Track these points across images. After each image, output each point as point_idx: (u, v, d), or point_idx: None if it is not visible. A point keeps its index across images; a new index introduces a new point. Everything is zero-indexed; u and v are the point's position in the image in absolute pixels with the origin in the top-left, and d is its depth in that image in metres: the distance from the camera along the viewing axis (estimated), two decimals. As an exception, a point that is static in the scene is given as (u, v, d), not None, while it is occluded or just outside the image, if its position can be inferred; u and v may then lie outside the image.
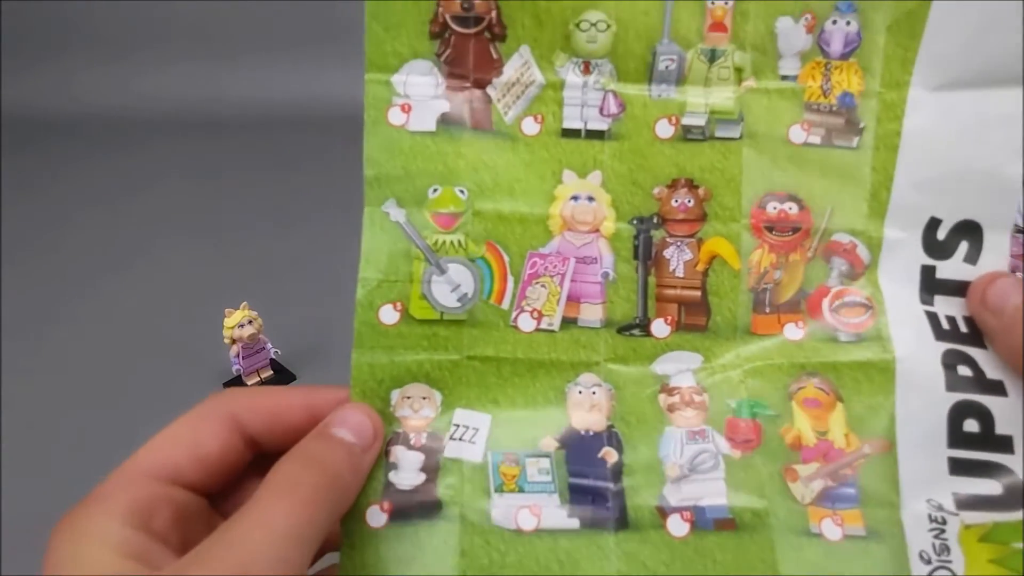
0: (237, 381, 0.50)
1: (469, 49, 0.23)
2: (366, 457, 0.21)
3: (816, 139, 0.24)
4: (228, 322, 0.46)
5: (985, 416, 0.22)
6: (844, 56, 0.24)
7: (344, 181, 0.57)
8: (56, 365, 0.54)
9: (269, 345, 0.49)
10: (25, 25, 1.02)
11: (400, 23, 0.23)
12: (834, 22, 0.23)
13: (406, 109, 0.23)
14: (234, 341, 0.47)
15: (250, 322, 0.46)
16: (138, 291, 0.62)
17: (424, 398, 0.22)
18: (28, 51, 1.02)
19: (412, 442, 0.22)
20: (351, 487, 0.20)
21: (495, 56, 0.23)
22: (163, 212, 0.75)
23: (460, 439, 0.22)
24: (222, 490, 0.21)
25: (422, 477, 0.22)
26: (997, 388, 0.22)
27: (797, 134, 0.24)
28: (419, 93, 0.23)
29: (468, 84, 0.23)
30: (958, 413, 0.22)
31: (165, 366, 0.52)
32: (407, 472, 0.22)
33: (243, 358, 0.48)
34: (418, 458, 0.22)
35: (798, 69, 0.24)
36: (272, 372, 0.51)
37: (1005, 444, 0.22)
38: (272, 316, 0.49)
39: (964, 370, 0.22)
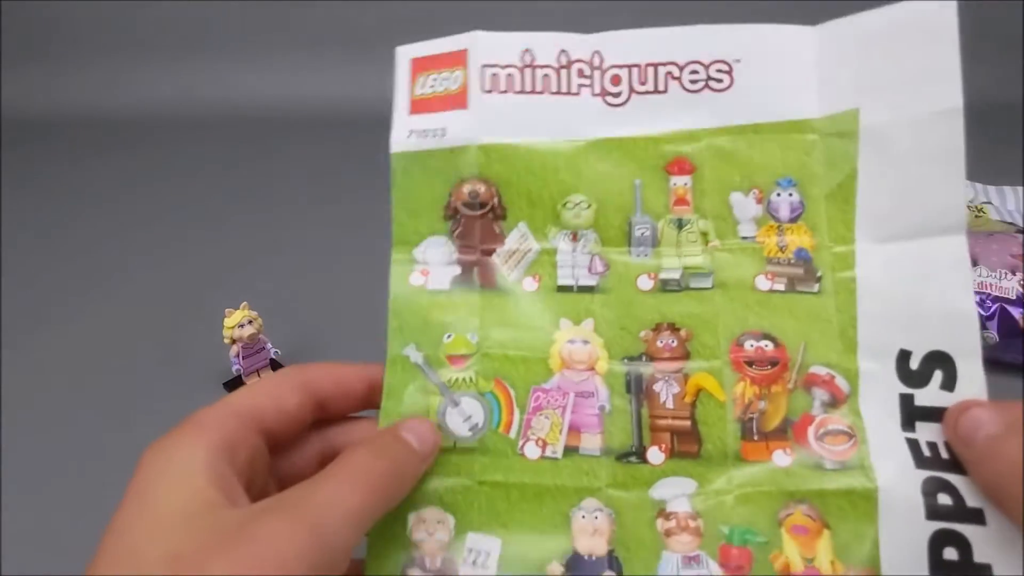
0: (237, 381, 0.48)
1: (476, 227, 0.29)
2: (423, 466, 0.24)
3: (780, 286, 0.28)
4: (228, 322, 0.45)
5: (964, 544, 0.22)
6: (792, 220, 0.28)
7: (345, 181, 0.57)
8: (56, 364, 0.53)
9: (269, 345, 0.48)
10: (25, 25, 1.01)
11: (420, 209, 0.29)
12: (778, 195, 0.28)
13: (424, 273, 0.28)
14: (234, 341, 0.46)
15: (250, 322, 0.45)
16: (138, 290, 0.61)
17: (439, 522, 0.24)
18: (28, 51, 1.01)
19: (428, 565, 0.23)
20: (406, 487, 0.23)
21: (498, 231, 0.29)
22: (163, 212, 0.74)
23: (473, 563, 0.23)
24: (285, 445, 0.24)
25: None
26: (976, 516, 0.23)
27: (763, 283, 0.28)
28: (436, 260, 0.28)
29: (476, 254, 0.28)
30: (938, 541, 0.23)
31: (165, 366, 0.51)
32: (423, 598, 0.23)
33: (243, 358, 0.47)
34: None
35: (755, 231, 0.28)
36: (272, 372, 0.48)
37: (983, 572, 0.22)
38: (272, 316, 0.48)
39: (944, 498, 0.23)
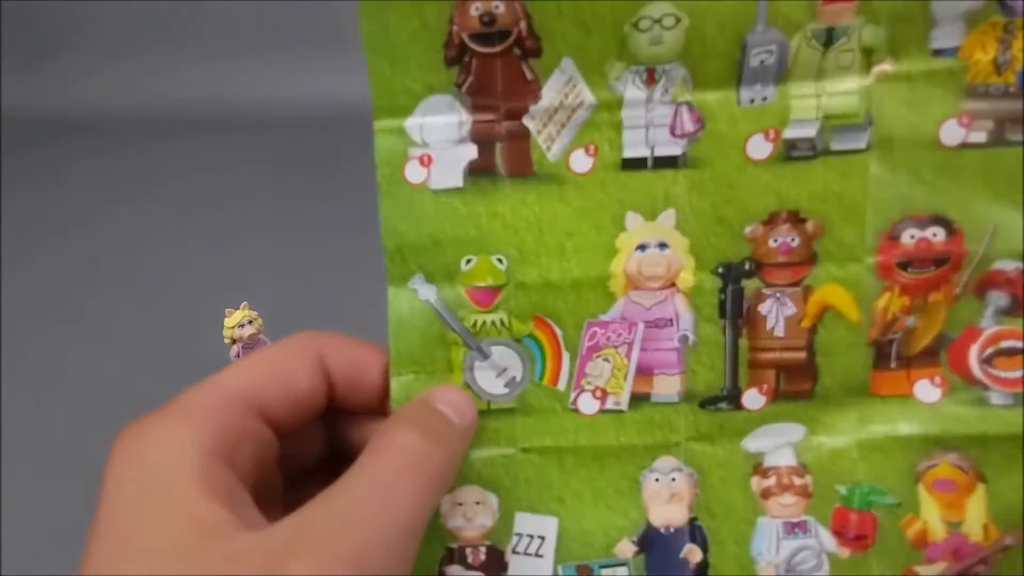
0: None
1: (496, 72, 0.18)
2: (465, 442, 0.19)
3: (980, 136, 0.18)
4: (228, 322, 0.45)
5: None
6: (1033, 12, 0.16)
7: (346, 181, 0.55)
8: (56, 365, 0.55)
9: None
10: (25, 25, 1.02)
11: (408, 54, 0.18)
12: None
13: (426, 162, 0.19)
14: (234, 341, 0.46)
15: (250, 322, 0.46)
16: (138, 291, 0.64)
17: (478, 503, 0.20)
18: (28, 51, 1.02)
19: (470, 560, 0.20)
20: (455, 471, 0.18)
21: (530, 77, 0.18)
22: (163, 212, 0.76)
23: (525, 552, 0.20)
24: (293, 433, 0.18)
25: None
26: None
27: (952, 132, 0.18)
28: (440, 138, 0.19)
29: (499, 117, 0.19)
30: None
31: (165, 366, 0.52)
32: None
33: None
34: None
35: (961, 38, 0.17)
36: None
37: None
38: (272, 316, 0.49)
39: None
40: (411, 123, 0.19)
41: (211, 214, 0.77)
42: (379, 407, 0.19)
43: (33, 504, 0.46)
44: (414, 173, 0.19)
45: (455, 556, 0.20)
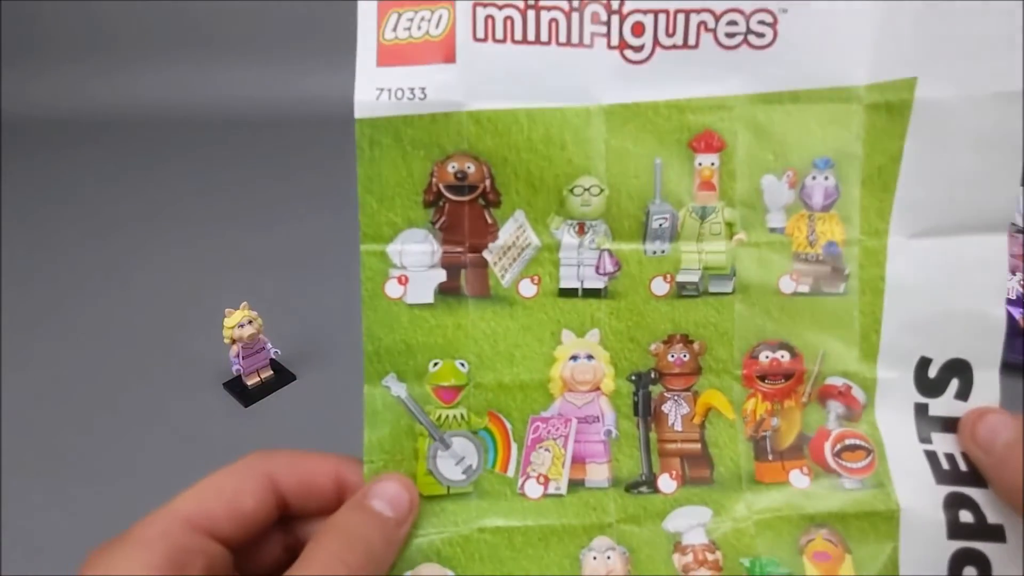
0: (237, 381, 0.49)
1: (464, 216, 0.23)
2: (401, 531, 0.22)
3: (805, 288, 0.25)
4: (228, 322, 0.46)
5: (983, 563, 0.23)
6: (825, 208, 0.25)
7: (345, 181, 0.57)
8: (56, 365, 0.53)
9: (269, 345, 0.49)
10: (25, 26, 1.02)
11: (394, 194, 0.23)
12: (813, 178, 0.24)
13: (403, 281, 0.23)
14: (234, 341, 0.46)
15: (250, 322, 0.46)
16: (138, 291, 0.62)
17: None
18: (28, 51, 1.02)
19: None
20: (386, 560, 0.21)
21: (490, 221, 0.24)
22: (163, 212, 0.75)
23: (477, 627, 0.22)
24: (246, 546, 0.21)
25: None
26: (997, 534, 0.23)
27: (787, 284, 0.25)
28: (415, 263, 0.23)
29: (464, 249, 0.24)
30: (958, 561, 0.23)
31: (165, 366, 0.52)
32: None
33: (243, 358, 0.48)
34: None
35: (784, 222, 0.25)
36: (272, 372, 0.50)
37: None
38: (272, 316, 0.49)
39: (965, 515, 0.23)
40: (392, 249, 0.23)
41: (211, 214, 0.74)
42: (333, 508, 0.22)
43: (33, 504, 0.42)
44: (393, 289, 0.23)
45: (415, 633, 0.21)
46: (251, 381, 0.49)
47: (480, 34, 0.22)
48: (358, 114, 0.22)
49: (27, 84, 1.01)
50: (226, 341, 0.46)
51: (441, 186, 0.23)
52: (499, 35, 0.22)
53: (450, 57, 0.22)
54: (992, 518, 0.23)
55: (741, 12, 0.23)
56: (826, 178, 0.24)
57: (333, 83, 0.97)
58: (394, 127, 0.23)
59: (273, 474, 0.21)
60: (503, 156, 0.23)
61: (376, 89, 0.22)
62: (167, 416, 0.48)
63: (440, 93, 0.22)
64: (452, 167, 0.23)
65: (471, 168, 0.23)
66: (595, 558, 0.23)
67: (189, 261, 0.66)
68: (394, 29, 0.22)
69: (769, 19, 0.23)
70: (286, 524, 0.22)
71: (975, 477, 0.23)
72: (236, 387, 0.49)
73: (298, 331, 0.54)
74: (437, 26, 0.22)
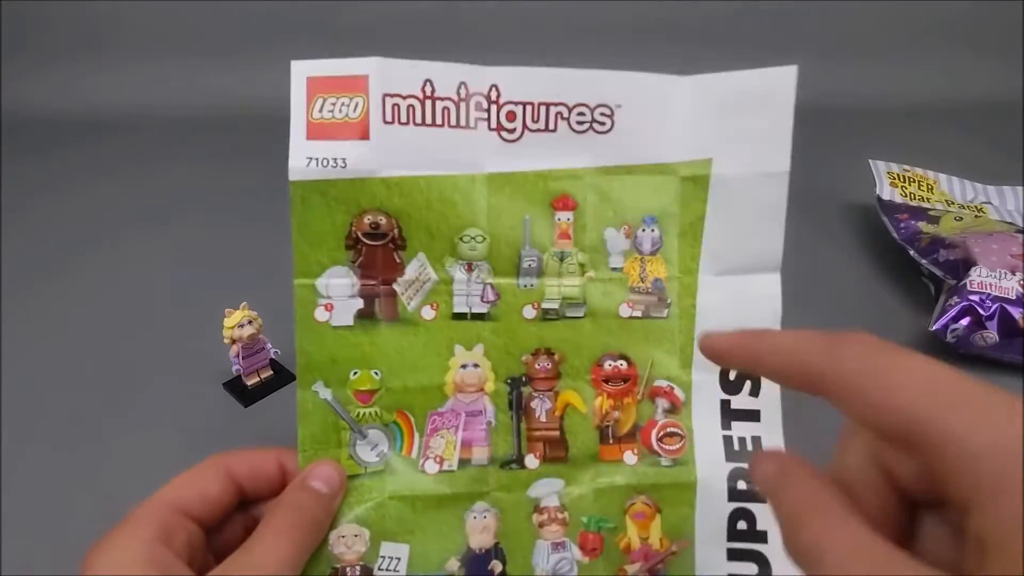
0: (237, 381, 0.50)
1: (377, 257, 0.30)
2: (335, 503, 0.28)
3: (638, 313, 0.33)
4: (228, 322, 0.45)
5: (750, 517, 0.31)
6: (652, 253, 0.33)
7: None
8: (56, 365, 0.53)
9: (269, 345, 0.49)
10: (25, 25, 1.00)
11: (321, 239, 0.30)
12: (643, 230, 0.33)
13: (329, 308, 0.30)
14: (234, 341, 0.46)
15: (250, 322, 0.46)
16: (138, 290, 0.61)
17: (356, 536, 0.28)
18: (28, 51, 1.00)
19: (348, 574, 0.28)
20: (324, 526, 0.28)
21: (398, 261, 0.31)
22: (163, 211, 0.75)
23: (387, 569, 0.28)
24: (215, 525, 0.27)
25: None
26: (760, 496, 0.31)
27: (624, 310, 0.33)
28: (338, 294, 0.30)
29: (378, 283, 0.30)
30: (734, 516, 0.31)
31: (165, 366, 0.52)
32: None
33: (243, 358, 0.48)
34: None
35: (622, 263, 0.33)
36: (272, 372, 0.50)
37: (762, 537, 0.31)
38: (272, 316, 0.48)
39: (741, 484, 0.31)
40: (320, 282, 0.30)
41: (212, 214, 0.73)
42: (278, 491, 0.28)
43: (33, 504, 0.41)
44: (320, 314, 0.30)
45: (338, 573, 0.27)
46: (251, 381, 0.49)
47: (388, 118, 0.29)
48: (292, 177, 0.29)
49: (27, 84, 0.99)
50: (226, 341, 0.46)
51: (359, 233, 0.30)
52: (403, 119, 0.29)
53: (365, 135, 0.29)
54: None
55: (587, 106, 0.31)
56: (652, 230, 0.33)
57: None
58: (321, 188, 0.29)
59: (229, 466, 0.28)
60: (408, 212, 0.30)
61: (306, 158, 0.29)
62: (167, 416, 0.48)
63: (357, 163, 0.29)
64: (368, 219, 0.30)
65: (383, 220, 0.30)
66: (475, 517, 0.30)
67: (189, 261, 0.65)
68: (320, 110, 0.29)
69: (608, 112, 0.31)
70: (243, 509, 0.28)
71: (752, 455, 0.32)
72: (236, 387, 0.49)
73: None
74: (354, 110, 0.29)
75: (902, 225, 0.62)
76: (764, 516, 0.31)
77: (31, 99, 0.97)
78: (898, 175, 0.68)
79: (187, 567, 0.24)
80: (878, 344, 0.17)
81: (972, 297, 0.49)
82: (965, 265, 0.53)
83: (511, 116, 0.30)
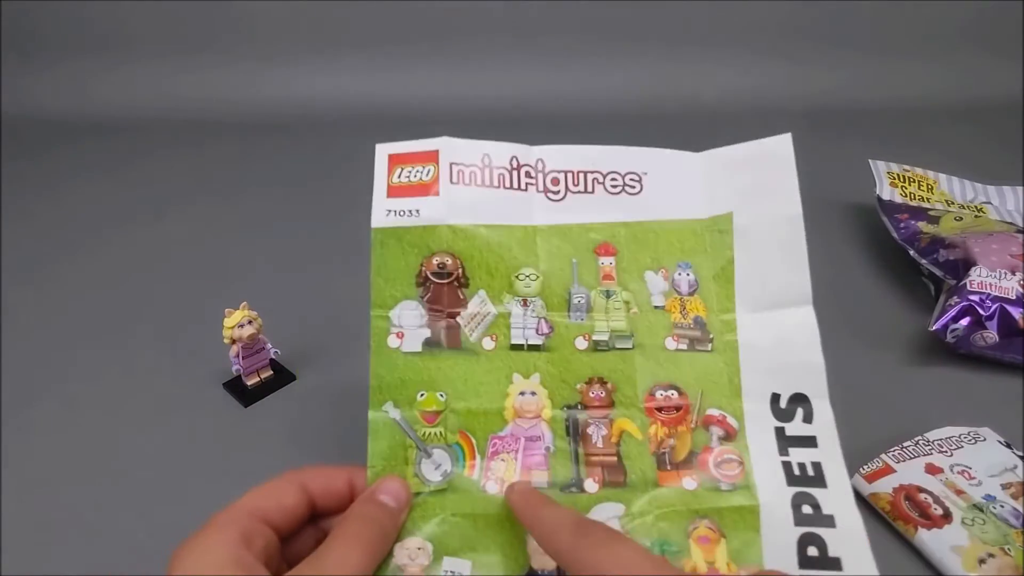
0: (237, 381, 0.49)
1: (444, 293, 0.34)
2: (401, 516, 0.30)
3: (684, 346, 0.35)
4: (228, 322, 0.45)
5: (821, 543, 0.30)
6: (690, 294, 0.36)
7: (346, 181, 0.57)
8: (56, 365, 0.52)
9: (269, 345, 0.48)
10: (25, 25, 1.01)
11: (396, 276, 0.33)
12: (679, 274, 0.36)
13: (400, 335, 0.33)
14: (234, 341, 0.46)
15: (250, 322, 0.46)
16: (138, 290, 0.61)
17: (419, 549, 0.29)
18: (28, 51, 1.01)
19: None
20: (392, 538, 0.29)
21: (462, 297, 0.34)
22: (163, 212, 0.75)
23: (449, 581, 0.28)
24: (289, 534, 0.29)
25: None
26: (830, 521, 0.31)
27: (670, 343, 0.35)
28: (409, 323, 0.33)
29: (443, 315, 0.33)
30: (803, 542, 0.30)
31: (165, 366, 0.51)
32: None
33: (243, 358, 0.47)
34: None
35: (664, 301, 0.36)
36: (272, 372, 0.50)
37: (835, 563, 0.30)
38: (272, 316, 0.48)
39: (807, 508, 0.31)
40: (393, 313, 0.33)
41: (211, 213, 0.73)
42: (347, 506, 0.29)
43: (33, 504, 0.40)
44: (392, 341, 0.32)
45: (404, 583, 0.27)
46: (251, 381, 0.49)
47: (454, 179, 0.34)
48: (374, 225, 0.33)
49: (27, 84, 1.00)
50: (226, 341, 0.46)
51: (428, 273, 0.34)
52: (467, 181, 0.34)
53: (436, 192, 0.34)
54: (826, 510, 0.31)
55: (619, 173, 0.36)
56: (688, 274, 0.36)
57: (337, 85, 0.99)
58: (397, 234, 0.34)
59: (304, 481, 0.29)
60: (470, 254, 0.34)
61: (386, 210, 0.34)
62: (167, 416, 0.47)
63: (428, 213, 0.34)
64: (436, 260, 0.34)
65: (449, 261, 0.34)
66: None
67: (189, 261, 0.65)
68: (398, 176, 0.34)
69: (636, 178, 0.36)
70: (313, 522, 0.30)
71: (818, 479, 0.32)
72: (236, 387, 0.49)
73: (298, 331, 0.53)
74: (427, 175, 0.34)
75: (902, 225, 0.61)
76: (835, 542, 0.30)
77: (31, 99, 0.99)
78: (898, 175, 0.67)
79: (265, 569, 0.25)
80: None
81: (972, 297, 0.49)
82: (965, 265, 0.53)
83: (555, 181, 0.36)
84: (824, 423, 0.33)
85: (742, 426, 0.33)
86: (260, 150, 0.90)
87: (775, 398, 0.34)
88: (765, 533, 0.31)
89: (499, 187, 0.35)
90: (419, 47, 1.03)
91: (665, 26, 1.05)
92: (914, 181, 0.68)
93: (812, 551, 0.30)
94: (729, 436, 0.33)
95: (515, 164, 0.35)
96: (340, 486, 0.30)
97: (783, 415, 0.33)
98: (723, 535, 0.31)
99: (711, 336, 0.35)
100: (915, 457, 0.42)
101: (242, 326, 0.45)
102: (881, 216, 0.64)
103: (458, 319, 0.34)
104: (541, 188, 0.35)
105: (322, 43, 1.02)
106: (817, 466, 0.32)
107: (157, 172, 0.84)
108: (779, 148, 0.35)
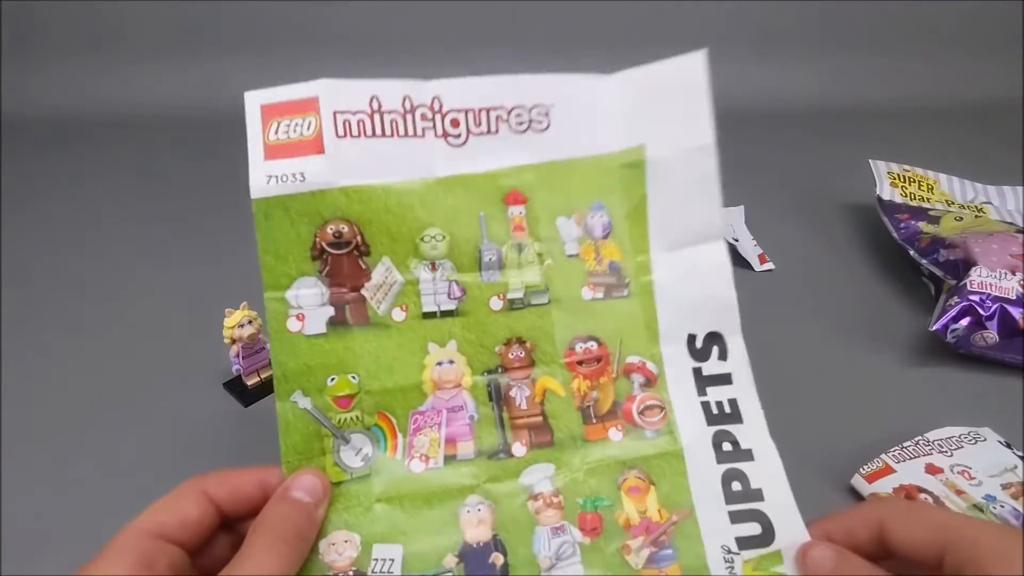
0: (237, 381, 0.49)
1: (343, 265, 0.31)
2: (319, 511, 0.28)
3: (600, 295, 0.34)
4: (228, 322, 0.46)
5: (743, 477, 0.32)
6: (604, 237, 0.34)
7: None
8: (56, 365, 0.52)
9: (268, 345, 0.47)
10: (25, 25, 0.99)
11: (287, 252, 0.30)
12: (592, 217, 0.34)
13: (300, 318, 0.30)
14: (234, 341, 0.46)
15: (250, 322, 0.46)
16: (138, 291, 0.61)
17: (346, 541, 0.27)
18: (28, 51, 0.99)
19: None
20: (310, 534, 0.27)
21: (364, 267, 0.31)
22: (163, 212, 0.74)
23: (381, 572, 0.27)
24: (198, 547, 0.27)
25: None
26: (748, 455, 0.32)
27: (587, 293, 0.34)
28: (309, 303, 0.30)
29: (346, 290, 0.31)
30: (727, 478, 0.31)
31: (165, 366, 0.52)
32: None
33: (243, 358, 0.48)
34: None
35: (578, 249, 0.34)
36: (272, 372, 0.50)
37: (758, 495, 0.31)
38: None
39: (727, 446, 0.32)
40: (289, 294, 0.30)
41: (211, 213, 0.72)
42: (261, 508, 0.27)
43: (33, 504, 0.40)
44: (293, 325, 0.30)
45: (333, 581, 0.26)
46: (251, 381, 0.49)
47: (340, 132, 0.30)
48: (253, 195, 0.30)
49: (27, 84, 0.99)
50: (226, 341, 0.46)
51: (323, 244, 0.30)
52: (354, 132, 0.31)
53: (320, 150, 0.30)
54: (744, 444, 0.32)
55: (524, 107, 0.33)
56: (601, 216, 0.34)
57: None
58: (282, 203, 0.30)
59: (206, 489, 0.27)
60: (368, 218, 0.31)
61: (266, 176, 0.30)
62: (167, 416, 0.48)
63: (315, 176, 0.30)
64: (330, 228, 0.31)
65: (345, 229, 0.31)
66: (468, 511, 0.29)
67: (189, 261, 0.66)
68: (275, 132, 0.30)
69: (544, 111, 0.33)
70: (228, 528, 0.28)
71: (734, 416, 0.32)
72: (236, 387, 0.49)
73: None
74: (308, 128, 0.30)
75: (902, 225, 0.62)
76: (756, 474, 0.31)
77: (31, 99, 0.99)
78: (898, 175, 0.68)
79: None
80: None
81: (972, 297, 0.50)
82: (965, 265, 0.53)
83: (455, 123, 0.32)
84: (738, 359, 0.33)
85: (661, 371, 0.33)
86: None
87: (691, 339, 0.34)
88: (691, 475, 0.32)
89: (392, 135, 0.31)
90: (419, 47, 1.03)
91: (665, 26, 1.02)
92: (914, 181, 0.68)
93: (736, 486, 0.31)
94: (650, 382, 0.34)
95: (409, 106, 0.31)
96: (249, 489, 0.27)
97: (699, 355, 0.34)
98: (652, 483, 0.32)
99: (627, 281, 0.34)
100: (915, 457, 0.42)
101: (242, 326, 0.46)
102: (881, 216, 0.64)
103: (362, 292, 0.31)
104: (440, 132, 0.32)
105: (322, 43, 1.03)
106: (733, 403, 0.33)
107: (157, 171, 0.85)
108: (691, 69, 0.32)
